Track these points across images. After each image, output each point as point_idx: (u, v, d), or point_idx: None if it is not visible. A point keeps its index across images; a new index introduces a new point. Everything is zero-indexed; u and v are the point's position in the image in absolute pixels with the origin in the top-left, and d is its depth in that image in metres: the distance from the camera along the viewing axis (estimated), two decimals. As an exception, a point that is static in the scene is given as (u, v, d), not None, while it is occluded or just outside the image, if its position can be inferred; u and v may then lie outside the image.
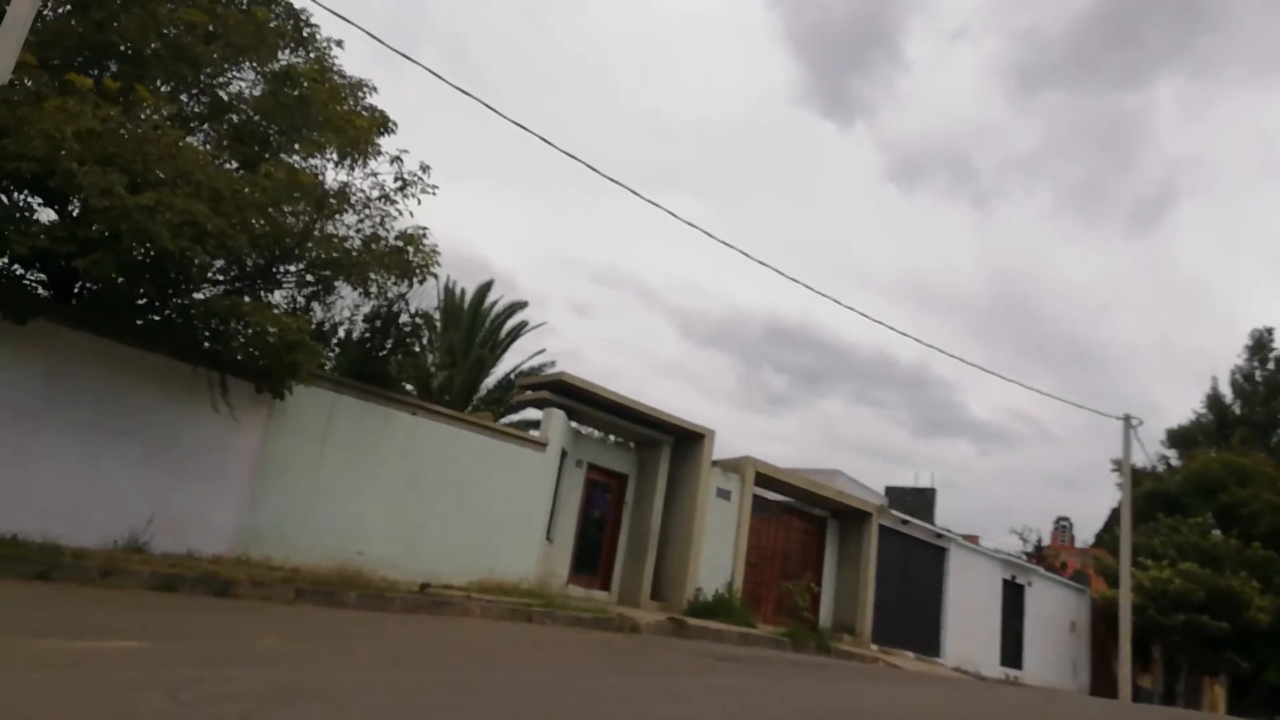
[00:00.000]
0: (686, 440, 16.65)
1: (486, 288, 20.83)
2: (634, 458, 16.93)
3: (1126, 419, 23.47)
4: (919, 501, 25.24)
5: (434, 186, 11.36)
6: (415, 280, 11.90)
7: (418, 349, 15.29)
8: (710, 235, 15.09)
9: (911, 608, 20.94)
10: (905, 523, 20.50)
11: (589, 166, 12.08)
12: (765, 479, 17.95)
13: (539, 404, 14.97)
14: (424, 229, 11.60)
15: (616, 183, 12.35)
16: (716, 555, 16.63)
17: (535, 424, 16.58)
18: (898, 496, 25.64)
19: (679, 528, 16.35)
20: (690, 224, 13.97)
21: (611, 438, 17.35)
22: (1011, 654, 23.54)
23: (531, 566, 13.33)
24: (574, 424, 16.03)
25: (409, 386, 16.24)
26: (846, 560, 19.91)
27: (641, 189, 12.89)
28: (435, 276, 11.98)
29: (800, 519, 19.90)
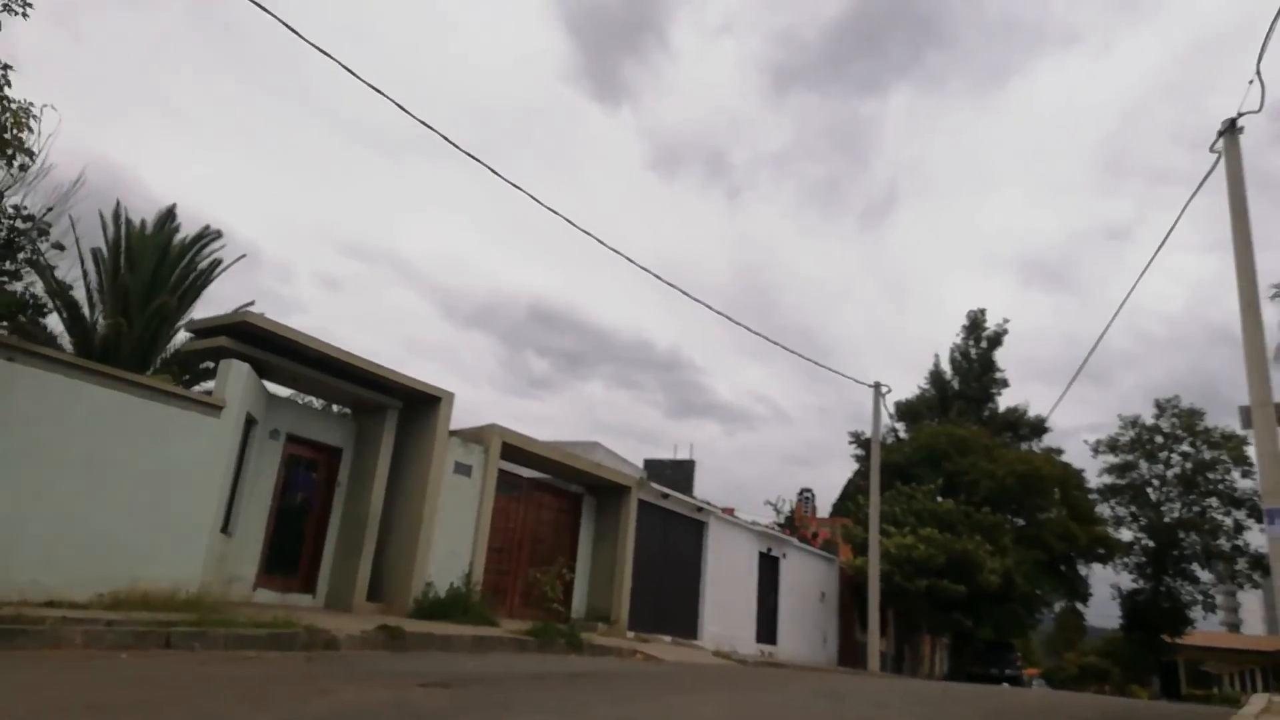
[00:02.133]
0: (419, 405, 13.81)
1: (168, 217, 16.45)
2: (350, 427, 13.83)
3: (877, 386, 23.53)
4: (679, 474, 24.00)
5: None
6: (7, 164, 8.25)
7: (29, 270, 11.26)
8: (571, 223, 12.39)
9: (670, 588, 19.46)
10: (666, 496, 18.91)
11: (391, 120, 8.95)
12: (514, 451, 15.50)
13: (216, 355, 11.45)
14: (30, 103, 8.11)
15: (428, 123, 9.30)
16: (453, 542, 13.96)
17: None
18: (657, 470, 24.24)
19: (406, 511, 13.50)
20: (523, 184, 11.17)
21: (322, 403, 14.14)
22: (767, 630, 22.87)
23: (197, 570, 9.97)
24: (271, 384, 12.72)
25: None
26: (603, 540, 17.97)
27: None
28: (31, 158, 8.34)
29: (554, 496, 17.68)
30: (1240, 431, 9.88)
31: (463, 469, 14.23)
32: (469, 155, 11.94)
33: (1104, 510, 44.10)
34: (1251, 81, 8.98)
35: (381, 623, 10.42)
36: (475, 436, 14.81)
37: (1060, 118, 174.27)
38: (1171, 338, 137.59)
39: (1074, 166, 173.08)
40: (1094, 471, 45.38)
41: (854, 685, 11.03)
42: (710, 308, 18.55)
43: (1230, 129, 9.77)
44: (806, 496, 48.79)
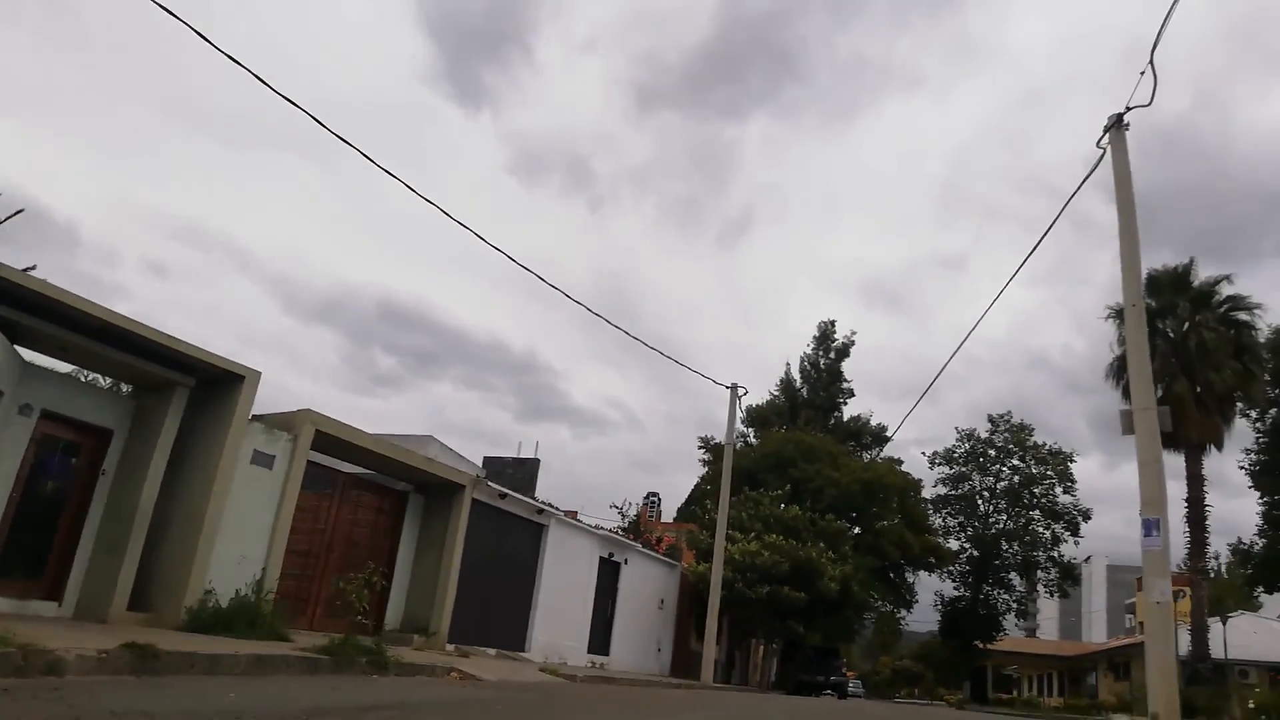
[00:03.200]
0: (217, 385, 11.86)
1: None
2: (127, 407, 11.72)
3: (734, 387, 23.03)
4: (521, 474, 22.66)
5: None
6: None
7: None
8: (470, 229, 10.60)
9: (501, 596, 18.08)
10: (503, 496, 17.50)
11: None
12: (330, 442, 13.70)
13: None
14: None
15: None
16: (244, 544, 12.08)
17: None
18: (498, 468, 22.77)
19: (187, 506, 11.54)
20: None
21: (93, 377, 11.97)
22: (601, 640, 21.82)
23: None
24: (36, 355, 10.58)
25: None
26: (429, 544, 16.37)
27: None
28: None
29: (376, 495, 15.95)
30: (1124, 435, 9.52)
31: (263, 459, 12.36)
32: (343, 140, 10.27)
33: (936, 520, 45.83)
34: (1143, 72, 8.62)
35: (131, 639, 8.57)
36: (282, 423, 12.95)
37: (902, 155, 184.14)
38: (994, 361, 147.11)
39: (913, 201, 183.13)
40: (929, 482, 47.22)
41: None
42: (589, 309, 17.34)
43: (1117, 124, 9.43)
44: (653, 501, 48.35)
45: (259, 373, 11.99)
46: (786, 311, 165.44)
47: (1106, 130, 9.46)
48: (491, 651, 17.39)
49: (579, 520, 22.39)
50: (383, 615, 15.72)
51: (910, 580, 42.32)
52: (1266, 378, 28.64)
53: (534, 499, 19.01)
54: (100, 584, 10.78)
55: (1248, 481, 30.66)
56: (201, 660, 8.53)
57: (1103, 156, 9.64)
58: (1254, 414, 30.18)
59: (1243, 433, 30.30)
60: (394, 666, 10.90)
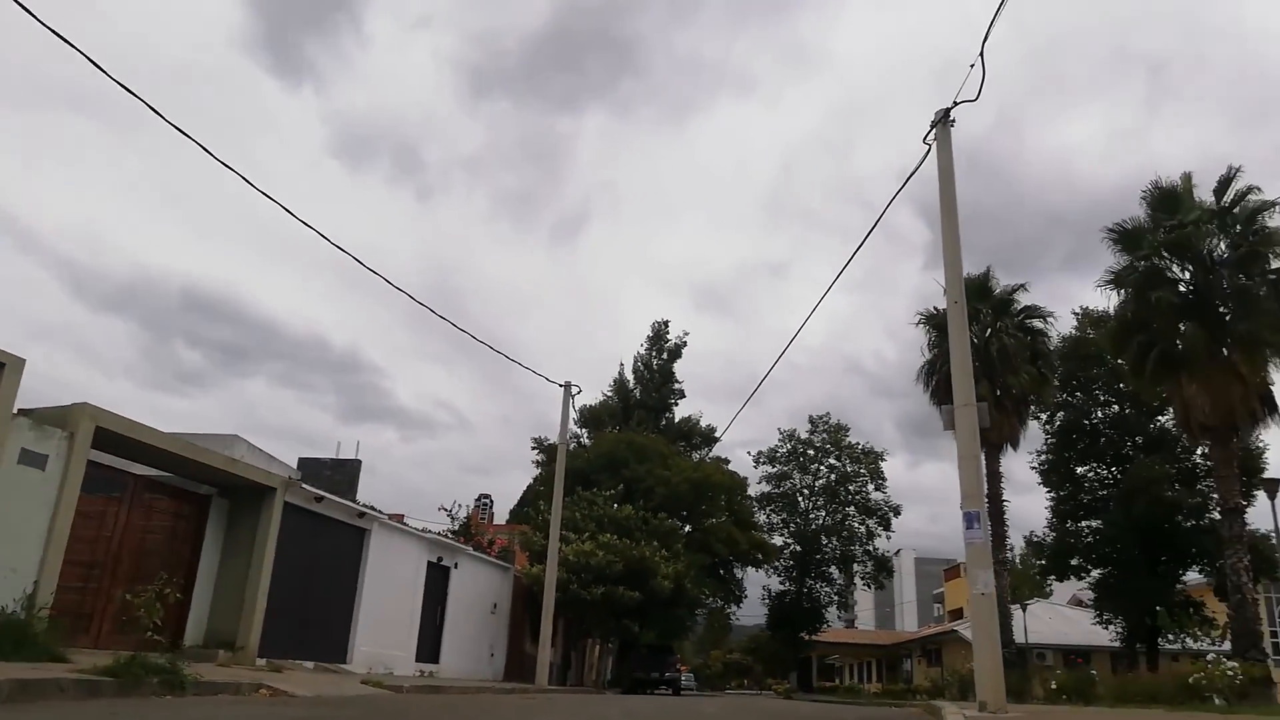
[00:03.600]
0: (-31, 372, 10.27)
1: None
2: None
3: (567, 385, 22.67)
4: (341, 476, 21.32)
5: None
6: None
7: None
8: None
9: (318, 606, 16.88)
10: (320, 500, 16.33)
11: None
12: (115, 440, 12.22)
13: None
14: None
15: None
16: (14, 554, 10.54)
17: None
18: (314, 470, 21.35)
19: (-63, 512, 9.95)
20: None
21: None
22: (430, 647, 20.90)
23: None
24: None
25: None
26: (235, 551, 15.01)
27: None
28: None
29: (173, 499, 14.45)
30: (946, 432, 9.74)
31: (33, 459, 10.84)
32: (147, 104, 8.99)
33: (761, 517, 47.31)
34: (973, 65, 8.91)
35: None
36: (55, 418, 11.42)
37: (734, 158, 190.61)
38: (813, 366, 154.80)
39: (743, 205, 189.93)
40: (754, 480, 48.70)
41: None
42: (415, 299, 16.30)
43: (943, 120, 9.73)
44: (485, 503, 47.23)
45: (22, 359, 10.51)
46: (621, 310, 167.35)
47: (933, 126, 9.78)
48: (309, 665, 16.18)
49: (405, 524, 21.32)
50: (182, 630, 14.28)
51: (739, 576, 43.41)
52: (1056, 383, 31.21)
53: (355, 502, 17.88)
54: None
55: (1038, 479, 33.40)
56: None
57: (928, 153, 9.96)
58: (1044, 417, 32.89)
59: (1034, 434, 32.92)
60: (192, 685, 9.79)
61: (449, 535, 24.27)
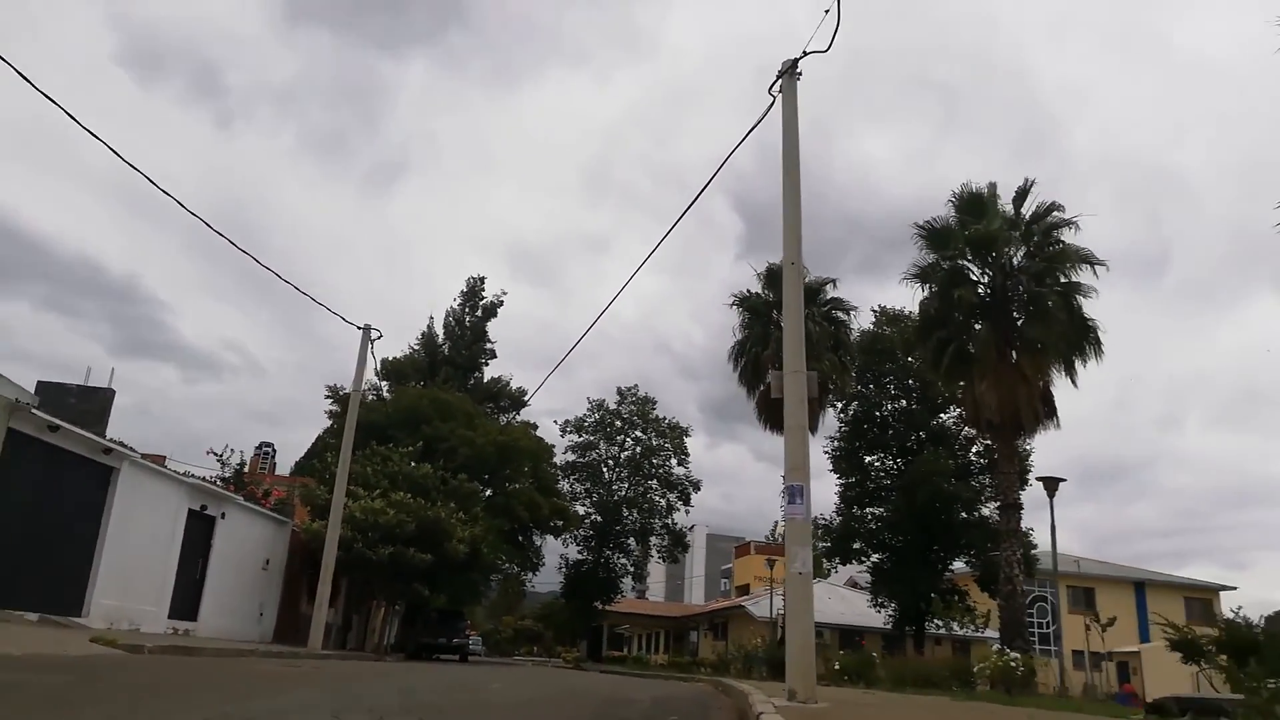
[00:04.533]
0: None
1: None
2: None
3: (366, 328, 20.93)
4: (89, 405, 18.55)
5: None
6: None
7: None
8: None
9: (48, 551, 14.54)
10: (55, 429, 13.94)
11: None
12: None
13: None
14: None
15: None
16: None
17: None
18: (57, 396, 18.48)
19: None
20: None
21: None
22: (187, 603, 18.76)
23: None
24: None
25: None
26: (-61, 482, 12.54)
27: None
28: None
29: None
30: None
31: None
32: None
33: (564, 486, 46.82)
34: (828, 11, 8.37)
35: None
36: None
37: (560, 128, 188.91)
38: (624, 341, 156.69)
39: (565, 175, 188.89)
40: (560, 449, 48.09)
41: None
42: (206, 222, 14.05)
43: (790, 71, 9.17)
44: (266, 452, 43.90)
45: None
46: (433, 267, 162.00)
47: (780, 76, 9.24)
48: (32, 617, 13.88)
49: (165, 467, 18.92)
50: None
51: (538, 543, 42.77)
52: (853, 374, 32.56)
53: (102, 437, 15.52)
54: None
55: (829, 465, 34.77)
56: None
57: (772, 105, 9.43)
58: (839, 405, 34.26)
59: (829, 423, 34.15)
60: None
61: (217, 482, 21.89)
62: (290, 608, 24.48)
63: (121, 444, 16.24)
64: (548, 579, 63.73)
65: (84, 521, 15.43)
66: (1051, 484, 18.62)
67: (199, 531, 19.18)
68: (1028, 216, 21.24)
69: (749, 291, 32.91)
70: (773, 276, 32.30)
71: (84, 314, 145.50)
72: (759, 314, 32.35)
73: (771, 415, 31.23)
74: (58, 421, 13.95)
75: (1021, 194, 21.27)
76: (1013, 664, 15.04)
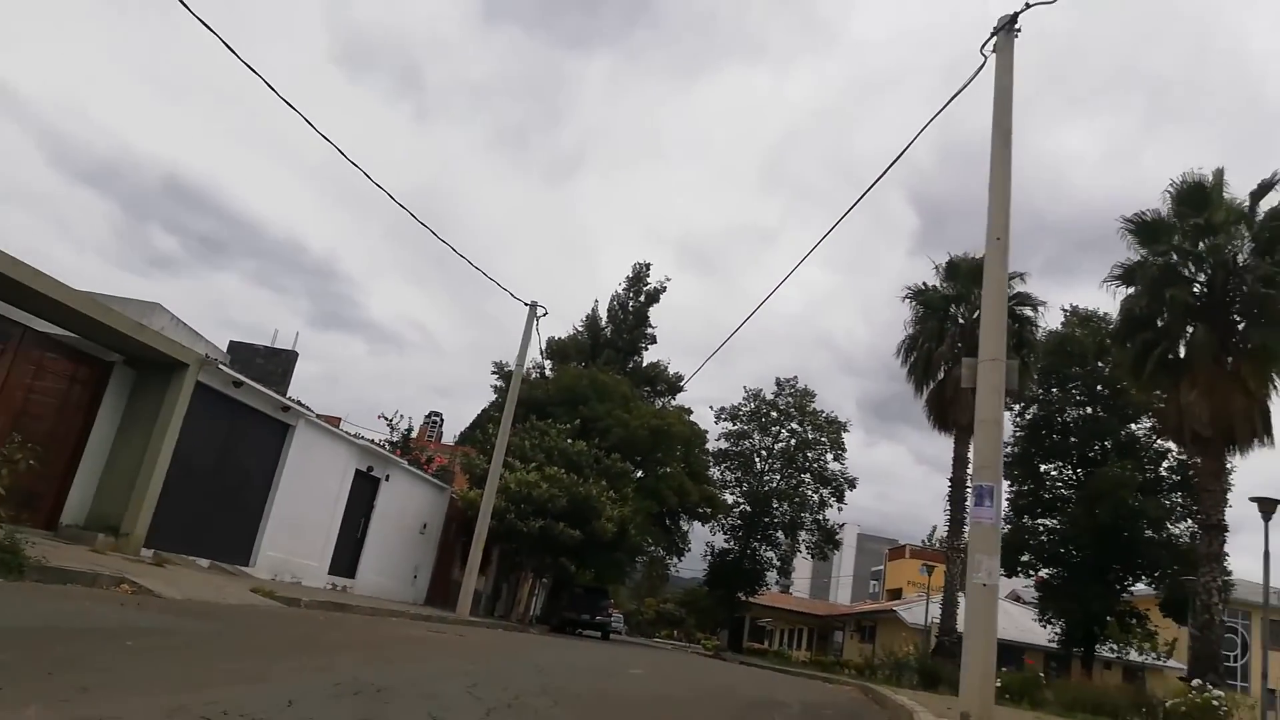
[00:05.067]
0: None
1: None
2: None
3: (533, 305, 21.07)
4: (274, 365, 19.66)
5: None
6: None
7: None
8: None
9: (224, 500, 15.39)
10: (238, 385, 14.71)
11: None
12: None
13: None
14: None
15: None
16: None
17: None
18: (246, 356, 19.66)
19: None
20: None
21: None
22: (347, 561, 19.55)
23: None
24: None
25: None
26: (134, 429, 13.41)
27: None
28: None
29: (70, 361, 12.79)
30: (964, 387, 8.23)
31: (-123, 282, 9.11)
32: None
33: (715, 473, 46.27)
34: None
35: None
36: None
37: (734, 120, 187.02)
38: (786, 335, 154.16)
39: (738, 168, 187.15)
40: (713, 436, 47.53)
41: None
42: (407, 209, 14.52)
43: (1009, 25, 8.15)
44: (434, 421, 45.75)
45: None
46: (601, 257, 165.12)
47: (995, 33, 8.21)
48: (204, 563, 14.75)
49: (339, 429, 19.76)
50: (60, 506, 12.75)
51: (685, 529, 42.54)
52: (1036, 375, 30.21)
53: (279, 395, 16.27)
54: None
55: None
56: None
57: (982, 66, 8.39)
58: (1016, 408, 31.92)
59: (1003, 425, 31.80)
60: (32, 570, 8.31)
61: (385, 446, 22.75)
62: (443, 572, 25.24)
63: (299, 402, 17.00)
64: (692, 565, 63.52)
65: (259, 475, 16.27)
66: (1269, 505, 16.32)
67: (364, 491, 19.95)
68: (1263, 213, 18.66)
69: (924, 285, 31.21)
70: (953, 269, 30.46)
71: (288, 289, 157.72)
72: (933, 308, 30.66)
73: (942, 414, 29.48)
74: (241, 377, 14.69)
75: (1265, 187, 18.69)
76: (1215, 702, 13.25)
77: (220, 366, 14.26)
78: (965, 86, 8.65)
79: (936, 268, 31.00)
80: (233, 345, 19.93)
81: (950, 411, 28.95)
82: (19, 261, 10.63)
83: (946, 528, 30.03)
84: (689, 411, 43.53)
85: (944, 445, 30.57)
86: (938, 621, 28.97)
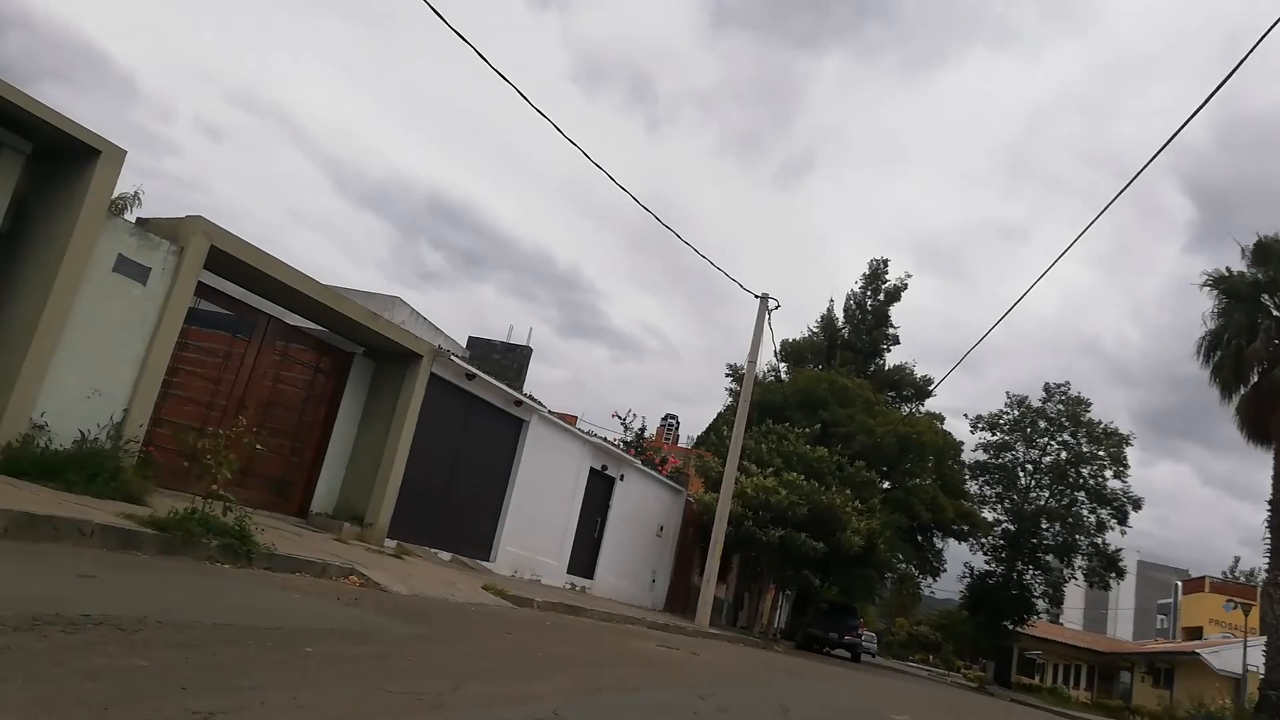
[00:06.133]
0: (66, 160, 8.85)
1: None
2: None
3: (764, 298, 19.66)
4: (510, 361, 19.67)
5: None
6: None
7: None
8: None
9: (463, 493, 15.25)
10: (471, 377, 14.49)
11: None
12: (232, 266, 10.63)
13: None
14: None
15: None
16: (101, 374, 9.18)
17: None
18: (483, 351, 19.81)
19: (18, 312, 8.66)
20: None
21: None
22: (584, 561, 19.05)
23: None
24: None
25: None
26: (375, 418, 13.49)
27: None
28: None
29: (314, 351, 13.04)
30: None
31: (132, 269, 9.35)
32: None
33: (972, 487, 42.25)
34: None
35: None
36: (165, 229, 9.93)
37: (978, 112, 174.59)
38: (1042, 339, 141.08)
39: (980, 162, 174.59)
40: (968, 446, 43.43)
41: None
42: (649, 210, 13.97)
43: None
44: (670, 423, 45.36)
45: (123, 150, 8.92)
46: (832, 261, 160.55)
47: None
48: (445, 556, 14.63)
49: (574, 427, 19.37)
50: (310, 495, 12.98)
51: (939, 546, 39.14)
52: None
53: (512, 389, 15.96)
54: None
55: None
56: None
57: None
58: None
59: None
60: (260, 557, 8.03)
61: (619, 445, 22.20)
62: (681, 577, 24.34)
63: (531, 398, 16.68)
64: (947, 586, 59.01)
65: (495, 469, 16.05)
66: None
67: (598, 490, 19.43)
68: None
69: (1227, 270, 26.42)
70: (1264, 251, 25.59)
71: (538, 299, 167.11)
72: (1240, 298, 25.90)
73: (1258, 422, 24.73)
74: (473, 370, 14.47)
75: None
76: None
77: (453, 358, 14.08)
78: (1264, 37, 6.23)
79: (1243, 250, 26.17)
80: (471, 340, 20.19)
81: (1271, 419, 24.26)
82: (264, 253, 10.77)
83: (1267, 558, 25.00)
84: (940, 419, 40.10)
85: (1254, 461, 25.51)
86: (1258, 670, 24.12)
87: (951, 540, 38.98)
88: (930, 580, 43.27)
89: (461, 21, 10.77)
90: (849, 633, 28.74)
